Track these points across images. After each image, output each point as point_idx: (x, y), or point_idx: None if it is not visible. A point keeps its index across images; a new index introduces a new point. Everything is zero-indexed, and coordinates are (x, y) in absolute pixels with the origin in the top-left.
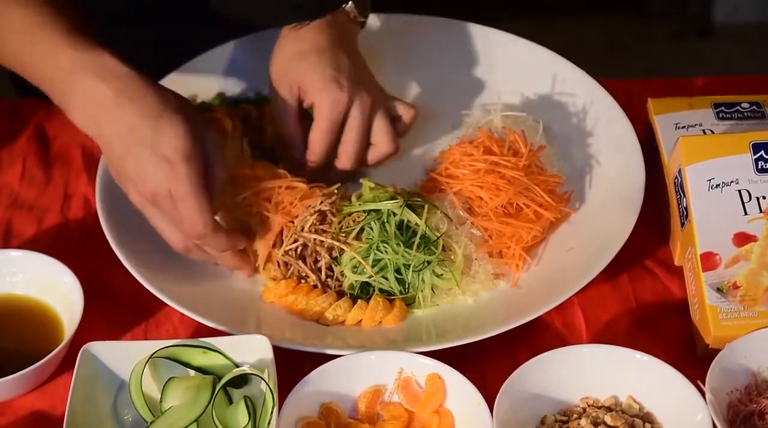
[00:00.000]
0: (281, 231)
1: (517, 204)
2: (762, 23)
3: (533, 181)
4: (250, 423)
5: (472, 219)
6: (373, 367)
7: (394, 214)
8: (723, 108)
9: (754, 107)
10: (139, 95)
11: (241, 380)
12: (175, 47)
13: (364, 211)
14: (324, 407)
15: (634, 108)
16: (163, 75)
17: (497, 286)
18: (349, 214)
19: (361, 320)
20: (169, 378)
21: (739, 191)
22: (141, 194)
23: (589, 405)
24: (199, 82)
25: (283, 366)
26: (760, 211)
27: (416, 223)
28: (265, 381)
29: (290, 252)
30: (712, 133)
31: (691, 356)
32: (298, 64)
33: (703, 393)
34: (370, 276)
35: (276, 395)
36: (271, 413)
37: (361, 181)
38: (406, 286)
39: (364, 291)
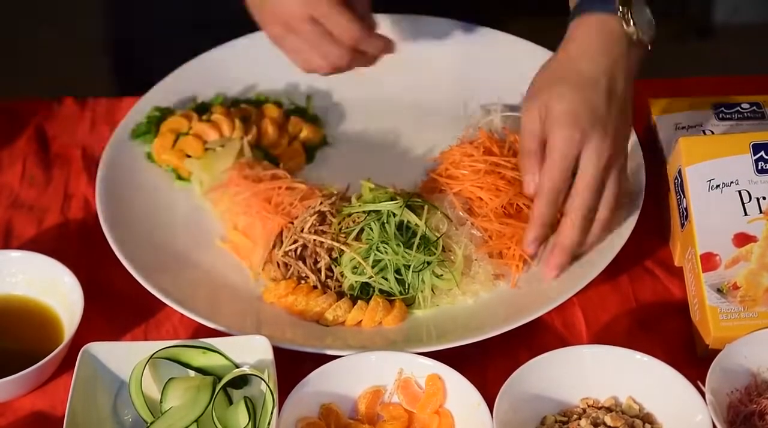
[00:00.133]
0: (281, 232)
1: (517, 204)
2: (762, 23)
3: None
4: (250, 423)
5: (472, 219)
6: (373, 368)
7: (394, 215)
8: (723, 109)
9: (755, 108)
10: None
11: (241, 381)
12: (175, 47)
13: (363, 212)
14: (324, 407)
15: (635, 108)
16: (162, 75)
17: (497, 287)
18: (349, 215)
19: (361, 321)
20: (169, 379)
21: (739, 192)
22: (283, 23)
23: (589, 406)
24: (199, 82)
25: (284, 366)
26: (760, 212)
27: (416, 224)
28: (265, 381)
29: (290, 253)
30: (713, 133)
31: (691, 356)
32: (551, 88)
33: (703, 394)
34: (370, 277)
35: (276, 395)
36: (271, 413)
37: (361, 181)
38: (406, 287)
39: (364, 292)
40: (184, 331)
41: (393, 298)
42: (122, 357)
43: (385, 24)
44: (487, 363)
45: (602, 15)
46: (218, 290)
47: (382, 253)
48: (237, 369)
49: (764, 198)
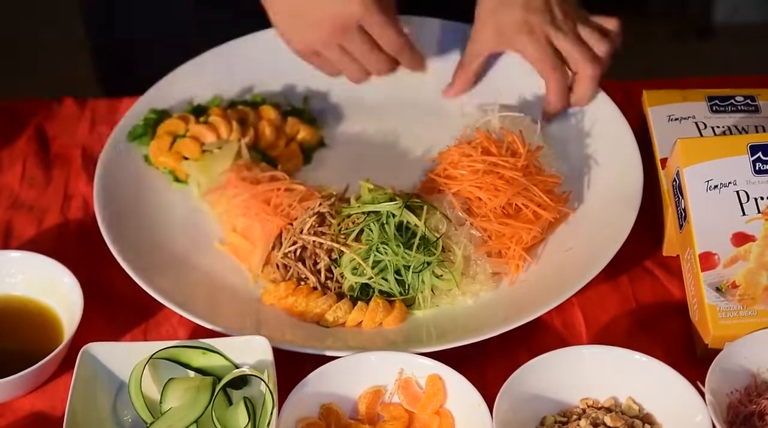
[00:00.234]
0: (280, 234)
1: (515, 204)
2: (762, 23)
3: (532, 182)
4: (249, 423)
5: (471, 219)
6: (373, 368)
7: (394, 215)
8: (717, 101)
9: (748, 101)
10: None
11: (241, 381)
12: (173, 47)
13: (363, 213)
14: (324, 408)
15: (634, 108)
16: (161, 76)
17: (497, 287)
18: (348, 216)
19: (361, 321)
20: (169, 380)
21: (737, 192)
22: (331, 32)
23: (588, 406)
24: (196, 84)
25: (284, 367)
26: (758, 212)
27: (415, 224)
28: (264, 381)
29: (289, 255)
30: (705, 125)
31: (690, 357)
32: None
33: (702, 394)
34: (370, 278)
35: (275, 396)
36: (271, 414)
37: (360, 182)
38: (406, 287)
39: (364, 293)
40: (184, 332)
41: (393, 299)
42: (122, 357)
43: None
44: (486, 363)
45: None
46: (218, 292)
47: (381, 254)
48: (237, 370)
49: (762, 198)
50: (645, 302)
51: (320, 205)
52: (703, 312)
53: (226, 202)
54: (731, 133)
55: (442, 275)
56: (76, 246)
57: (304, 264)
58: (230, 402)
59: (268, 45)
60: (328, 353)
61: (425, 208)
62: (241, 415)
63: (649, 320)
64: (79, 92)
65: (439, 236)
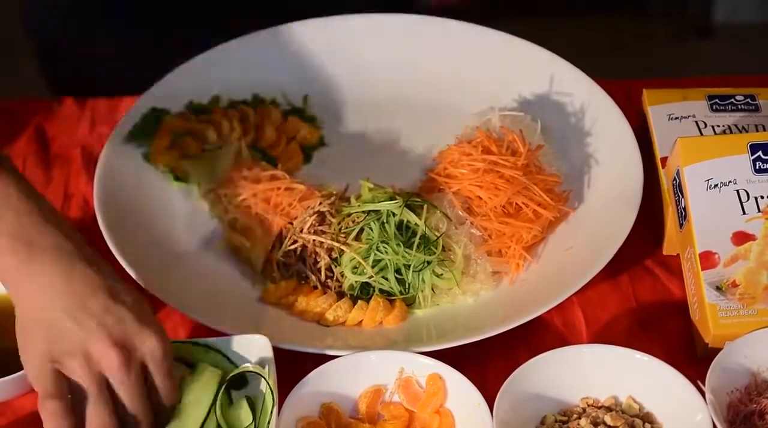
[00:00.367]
0: (280, 233)
1: (516, 203)
2: (762, 23)
3: (532, 181)
4: (252, 423)
5: (472, 218)
6: (373, 367)
7: (394, 215)
8: (717, 100)
9: (748, 100)
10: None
11: (241, 381)
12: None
13: (363, 212)
14: (324, 407)
15: (634, 108)
16: (161, 76)
17: (497, 286)
18: (349, 215)
19: (361, 321)
20: (181, 378)
21: (737, 191)
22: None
23: (589, 405)
24: (196, 83)
25: (284, 367)
26: (759, 211)
27: (416, 223)
28: (265, 379)
29: (289, 254)
30: (705, 124)
31: (690, 356)
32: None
33: (703, 393)
34: (371, 277)
35: (276, 394)
36: (271, 412)
37: (360, 181)
38: (407, 286)
39: (365, 292)
40: (184, 331)
41: (393, 298)
42: None
43: (384, 24)
44: (487, 362)
45: None
46: (218, 291)
47: (382, 253)
48: (241, 366)
49: (762, 197)
50: (645, 301)
51: (320, 204)
52: (703, 311)
53: (227, 201)
54: (731, 132)
55: (442, 274)
56: None
57: (304, 263)
58: (231, 402)
59: (268, 45)
60: (329, 352)
61: (425, 207)
62: (244, 414)
63: (649, 319)
64: (78, 92)
65: (439, 235)
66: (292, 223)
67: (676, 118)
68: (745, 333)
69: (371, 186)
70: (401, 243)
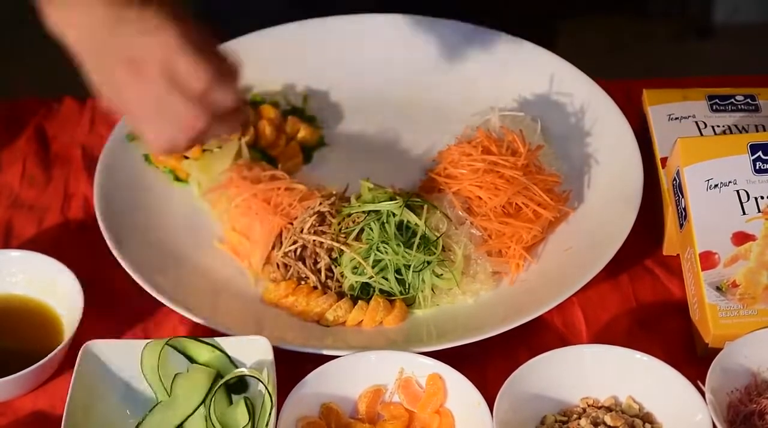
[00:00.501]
0: (280, 233)
1: (516, 203)
2: (762, 23)
3: (532, 181)
4: (249, 423)
5: (472, 219)
6: (373, 367)
7: (394, 215)
8: (717, 100)
9: (748, 100)
10: None
11: (242, 384)
12: None
13: (363, 212)
14: (324, 407)
15: (634, 108)
16: None
17: (497, 286)
18: (349, 215)
19: (361, 321)
20: (176, 374)
21: (737, 191)
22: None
23: (589, 405)
24: None
25: (284, 367)
26: (759, 211)
27: (416, 224)
28: (262, 382)
29: (289, 254)
30: (705, 124)
31: (690, 356)
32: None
33: (703, 393)
34: (371, 277)
35: (275, 396)
36: (270, 414)
37: (360, 181)
38: (407, 287)
39: (365, 292)
40: (184, 331)
41: (393, 298)
42: (123, 354)
43: (384, 24)
44: (487, 362)
45: None
46: (218, 291)
47: (382, 253)
48: (236, 370)
49: (762, 197)
50: (645, 301)
51: (320, 204)
52: (703, 311)
53: (227, 202)
54: (731, 132)
55: (442, 274)
56: (76, 245)
57: (304, 263)
58: (231, 402)
59: (269, 44)
60: (329, 352)
61: (425, 207)
62: (240, 415)
63: (649, 319)
64: (79, 92)
65: (439, 235)
66: (292, 223)
67: (676, 118)
68: (745, 333)
69: (371, 186)
70: (401, 244)
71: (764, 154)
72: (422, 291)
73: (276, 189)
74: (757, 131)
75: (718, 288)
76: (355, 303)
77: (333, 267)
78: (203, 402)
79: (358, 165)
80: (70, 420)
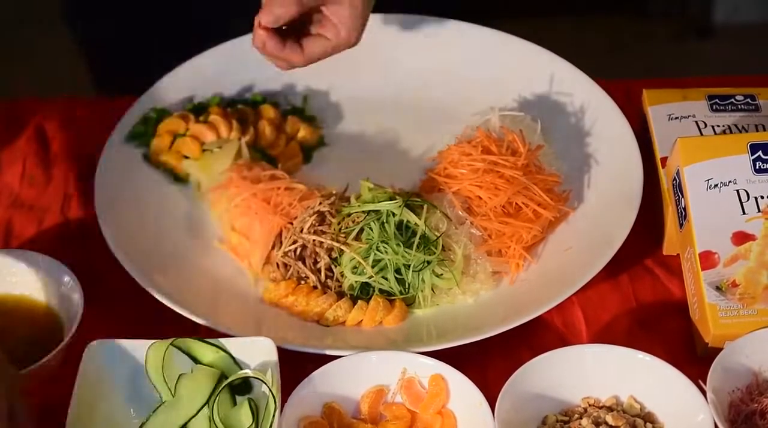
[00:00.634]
0: (280, 233)
1: (516, 203)
2: (762, 23)
3: (532, 181)
4: (253, 424)
5: (471, 218)
6: (374, 368)
7: (394, 214)
8: (717, 100)
9: (748, 100)
10: None
11: (246, 386)
12: (173, 47)
13: (363, 212)
14: (327, 407)
15: (634, 108)
16: (160, 76)
17: (497, 286)
18: (349, 215)
19: (361, 320)
20: (181, 374)
21: (737, 191)
22: None
23: (590, 405)
24: (196, 83)
25: (285, 366)
26: (759, 211)
27: (416, 223)
28: (266, 384)
29: (289, 254)
30: (705, 124)
31: (691, 356)
32: None
33: (704, 393)
34: (370, 277)
35: (278, 398)
36: (273, 415)
37: (360, 181)
38: (406, 286)
39: (364, 292)
40: (184, 331)
41: (393, 298)
42: (127, 354)
43: (383, 23)
44: (487, 362)
45: None
46: (218, 291)
47: (382, 253)
48: (240, 371)
49: (762, 197)
50: (645, 301)
51: (320, 203)
52: (703, 311)
53: (226, 201)
54: (731, 132)
55: (442, 274)
56: (76, 245)
57: (304, 263)
58: (235, 403)
59: None
60: (329, 352)
61: (425, 206)
62: (244, 415)
63: (649, 319)
64: (79, 92)
65: (439, 235)
66: (292, 223)
67: (676, 118)
68: (745, 333)
69: (371, 186)
70: (401, 243)
71: (764, 154)
72: (422, 291)
73: (276, 188)
74: (757, 131)
75: (718, 288)
76: (354, 303)
77: (333, 267)
78: (207, 402)
79: (358, 165)
80: (75, 419)
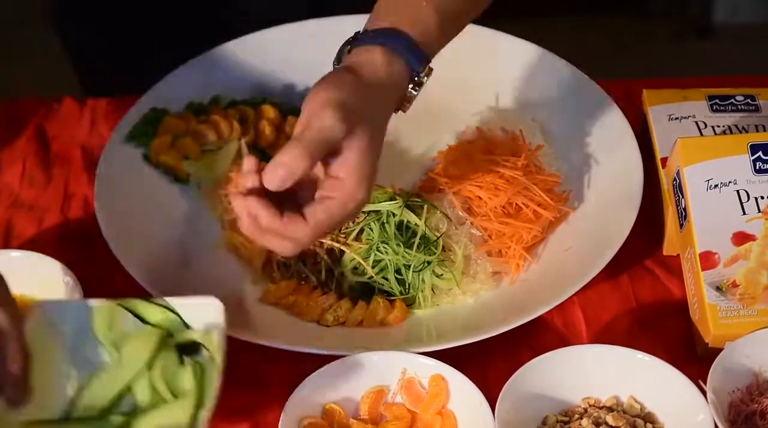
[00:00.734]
0: None
1: (516, 203)
2: (762, 23)
3: (532, 181)
4: (194, 386)
5: (472, 219)
6: (375, 368)
7: (394, 215)
8: (717, 100)
9: (748, 100)
10: None
11: (194, 347)
12: (173, 48)
13: (363, 212)
14: (327, 407)
15: (634, 108)
16: (161, 76)
17: (497, 286)
18: None
19: (361, 321)
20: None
21: (738, 191)
22: None
23: (590, 406)
24: (196, 83)
25: (285, 367)
26: (759, 211)
27: (416, 224)
28: (205, 347)
29: None
30: (705, 124)
31: (691, 356)
32: None
33: (704, 393)
34: (371, 277)
35: (220, 360)
36: (217, 379)
37: None
38: (407, 287)
39: (365, 292)
40: None
41: (393, 298)
42: (74, 316)
43: None
44: (487, 363)
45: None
46: (218, 291)
47: (382, 253)
48: (184, 332)
49: (762, 197)
50: (645, 301)
51: None
52: (703, 311)
53: (227, 202)
54: (731, 133)
55: (442, 274)
56: (76, 246)
57: (304, 263)
58: (183, 365)
59: (268, 45)
60: (329, 353)
61: (425, 207)
62: (187, 378)
63: (649, 319)
64: (79, 92)
65: (439, 235)
66: None
67: (676, 118)
68: (745, 333)
69: None
70: (401, 244)
71: (764, 154)
72: (422, 291)
73: None
74: (757, 131)
75: (718, 288)
76: (355, 303)
77: (333, 267)
78: (149, 363)
79: None
80: None
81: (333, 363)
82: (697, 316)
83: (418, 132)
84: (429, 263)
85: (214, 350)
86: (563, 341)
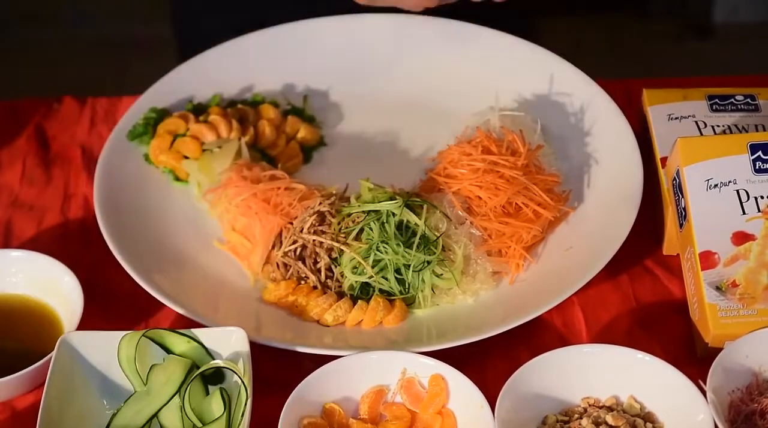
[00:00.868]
0: (280, 233)
1: (516, 203)
2: (762, 23)
3: (532, 181)
4: (225, 414)
5: (471, 218)
6: (375, 368)
7: (394, 215)
8: (717, 100)
9: (748, 100)
10: None
11: (218, 375)
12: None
13: (363, 212)
14: (326, 407)
15: (634, 108)
16: (161, 76)
17: (497, 286)
18: (348, 215)
19: (361, 321)
20: (153, 365)
21: (737, 191)
22: None
23: (590, 405)
24: (196, 83)
25: (285, 367)
26: (758, 211)
27: (416, 223)
28: (237, 374)
29: (289, 254)
30: (705, 124)
31: (691, 356)
32: None
33: (704, 393)
34: (370, 277)
35: (250, 387)
36: (245, 405)
37: (360, 181)
38: (406, 286)
39: (364, 292)
40: None
41: (393, 298)
42: (100, 346)
43: (384, 24)
44: (487, 363)
45: None
46: (218, 291)
47: (381, 253)
48: (212, 362)
49: (762, 197)
50: (645, 301)
51: (320, 203)
52: (703, 311)
53: (226, 201)
54: (731, 132)
55: (442, 274)
56: (76, 245)
57: (304, 263)
58: (207, 394)
59: (268, 44)
60: (329, 352)
61: (425, 206)
62: (216, 405)
63: (649, 319)
64: (79, 92)
65: (439, 235)
66: (292, 223)
67: (676, 118)
68: (745, 333)
69: (371, 186)
70: (401, 243)
71: (764, 154)
72: (422, 291)
73: (276, 189)
74: (757, 131)
75: (718, 288)
76: (354, 303)
77: (333, 267)
78: (178, 392)
79: (358, 165)
80: (47, 411)
81: (333, 363)
82: (697, 316)
83: (418, 132)
84: (429, 263)
85: (243, 376)
86: (563, 341)
